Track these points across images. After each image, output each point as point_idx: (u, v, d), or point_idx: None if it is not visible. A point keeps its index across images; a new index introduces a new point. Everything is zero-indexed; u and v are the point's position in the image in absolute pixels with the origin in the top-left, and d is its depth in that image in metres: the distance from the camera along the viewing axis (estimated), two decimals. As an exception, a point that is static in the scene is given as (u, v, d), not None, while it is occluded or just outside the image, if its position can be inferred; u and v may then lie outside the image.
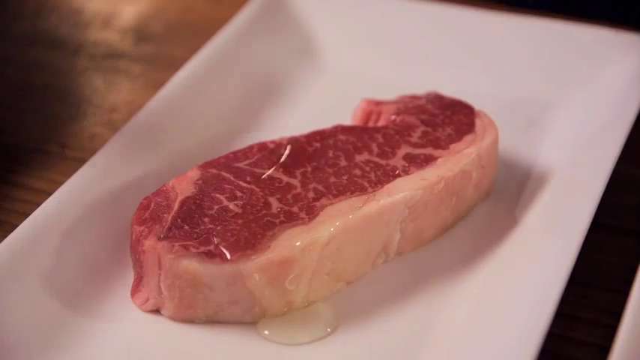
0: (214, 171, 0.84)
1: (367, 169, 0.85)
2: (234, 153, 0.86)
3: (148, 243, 0.77)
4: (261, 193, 0.82)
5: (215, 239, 0.77)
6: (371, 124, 0.93)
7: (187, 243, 0.77)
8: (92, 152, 0.91)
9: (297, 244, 0.77)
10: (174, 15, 1.28)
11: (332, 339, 0.78)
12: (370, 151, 0.87)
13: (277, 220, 0.79)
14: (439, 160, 0.86)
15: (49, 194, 0.84)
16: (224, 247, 0.76)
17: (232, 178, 0.83)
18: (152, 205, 0.81)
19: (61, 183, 0.86)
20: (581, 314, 0.81)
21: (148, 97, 1.00)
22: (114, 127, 1.04)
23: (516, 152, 0.96)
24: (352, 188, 0.82)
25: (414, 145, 0.87)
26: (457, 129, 0.89)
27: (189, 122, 0.97)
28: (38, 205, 0.83)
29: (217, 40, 1.07)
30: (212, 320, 0.78)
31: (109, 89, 1.13)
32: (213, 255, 0.76)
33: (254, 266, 0.76)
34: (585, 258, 0.82)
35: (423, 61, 1.09)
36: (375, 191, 0.82)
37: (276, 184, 0.83)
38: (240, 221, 0.79)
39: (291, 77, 1.09)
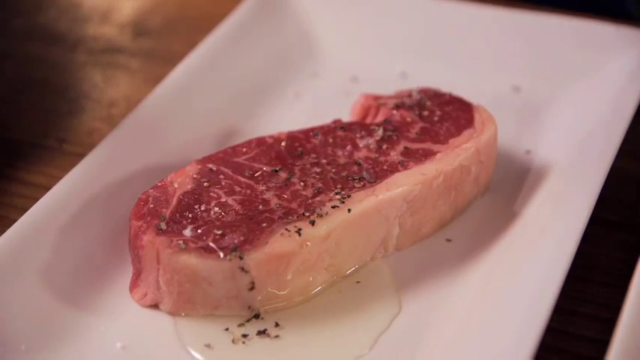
0: (213, 166, 0.84)
1: (366, 164, 0.84)
2: (233, 148, 0.86)
3: (147, 238, 0.77)
4: (259, 189, 0.82)
5: (213, 234, 0.77)
6: (369, 119, 0.93)
7: (186, 238, 0.77)
8: (91, 147, 0.91)
9: (296, 238, 0.77)
10: (172, 10, 1.28)
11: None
12: (369, 147, 0.86)
13: (276, 216, 0.79)
14: (438, 154, 0.86)
15: (48, 189, 0.84)
16: (222, 241, 0.76)
17: (231, 173, 0.83)
18: (150, 200, 0.80)
19: (60, 178, 0.85)
20: (581, 309, 0.81)
21: (147, 91, 1.00)
22: (112, 122, 1.04)
23: (515, 147, 0.96)
24: (351, 184, 0.82)
25: (413, 140, 0.87)
26: (456, 124, 0.89)
27: (188, 117, 0.97)
28: (36, 200, 0.83)
29: (216, 35, 1.07)
30: (211, 315, 0.78)
31: (108, 84, 1.12)
32: (211, 250, 0.76)
33: (252, 261, 0.76)
34: (584, 252, 0.82)
35: (421, 56, 1.09)
36: (373, 186, 0.82)
37: (275, 180, 0.83)
38: (238, 216, 0.79)
39: (290, 72, 1.09)
